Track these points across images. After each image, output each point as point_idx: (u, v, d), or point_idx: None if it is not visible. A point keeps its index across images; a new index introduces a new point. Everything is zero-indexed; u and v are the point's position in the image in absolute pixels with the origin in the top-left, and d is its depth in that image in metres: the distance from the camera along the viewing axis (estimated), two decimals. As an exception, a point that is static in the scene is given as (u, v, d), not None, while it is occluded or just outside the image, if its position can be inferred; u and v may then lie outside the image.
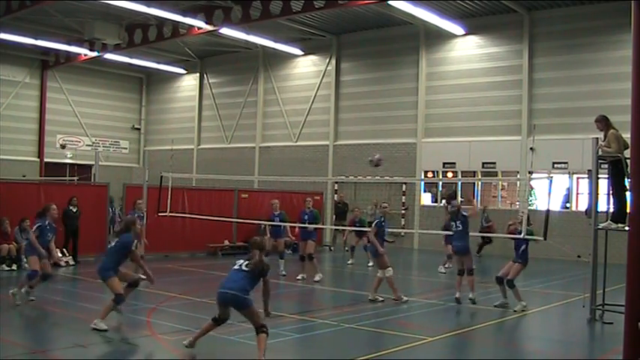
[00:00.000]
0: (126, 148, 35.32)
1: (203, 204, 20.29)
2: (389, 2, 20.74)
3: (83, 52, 28.38)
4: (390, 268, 12.13)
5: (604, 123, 10.64)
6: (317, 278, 14.47)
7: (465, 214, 12.12)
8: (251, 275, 7.71)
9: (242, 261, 7.91)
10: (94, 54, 28.18)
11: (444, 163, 24.77)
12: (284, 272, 15.53)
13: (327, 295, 13.50)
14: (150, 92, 36.20)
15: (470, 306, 12.07)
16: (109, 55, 28.68)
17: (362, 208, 21.23)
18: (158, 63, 32.28)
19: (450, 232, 12.87)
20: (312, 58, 29.01)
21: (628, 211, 8.29)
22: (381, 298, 11.97)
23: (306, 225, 15.02)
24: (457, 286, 12.07)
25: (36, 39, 26.55)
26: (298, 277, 14.67)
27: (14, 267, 15.21)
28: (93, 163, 26.65)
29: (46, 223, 11.20)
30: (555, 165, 22.11)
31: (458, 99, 24.54)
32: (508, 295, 11.73)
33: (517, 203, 22.09)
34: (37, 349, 7.98)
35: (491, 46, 24.08)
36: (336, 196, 26.02)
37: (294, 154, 29.05)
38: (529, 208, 14.98)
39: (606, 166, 10.79)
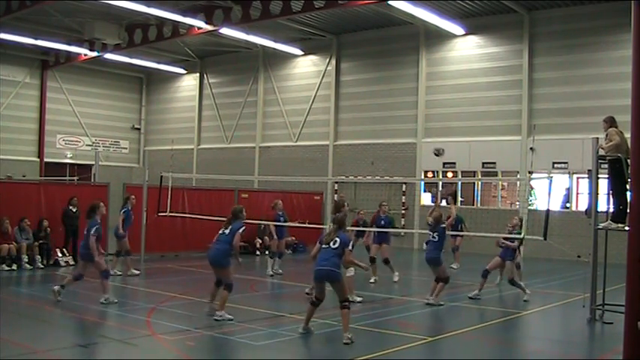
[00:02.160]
0: (126, 148, 35.31)
1: (203, 204, 20.27)
2: (389, 2, 20.74)
3: (83, 52, 28.39)
4: None
5: (608, 124, 10.62)
6: (396, 279, 14.85)
7: (443, 226, 12.20)
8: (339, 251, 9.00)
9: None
10: (94, 54, 28.19)
11: (444, 163, 24.77)
12: (280, 271, 15.53)
13: (327, 295, 13.46)
14: (150, 92, 36.20)
15: (470, 306, 12.08)
16: (109, 55, 28.68)
17: (361, 208, 21.19)
18: (158, 63, 32.28)
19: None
20: (312, 58, 29.01)
21: (628, 211, 8.28)
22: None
23: (383, 229, 15.05)
24: (431, 291, 12.02)
25: (36, 39, 26.55)
26: (371, 281, 14.49)
27: (14, 267, 15.20)
28: (93, 163, 26.66)
29: (99, 221, 11.53)
30: (555, 165, 22.11)
31: (458, 99, 24.54)
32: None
33: (517, 203, 22.09)
34: (37, 349, 7.98)
35: (491, 46, 24.08)
36: (336, 196, 26.02)
37: (294, 154, 29.05)
38: (529, 208, 15.01)
39: (606, 166, 10.78)
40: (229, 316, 9.81)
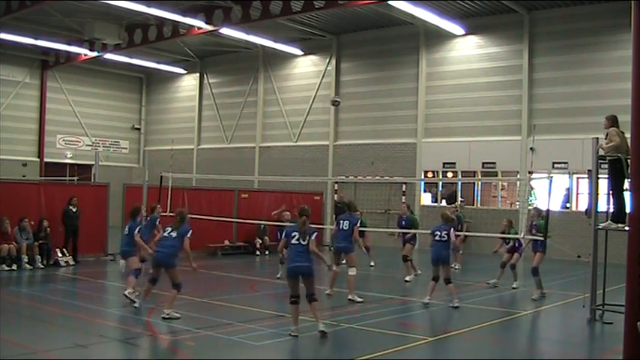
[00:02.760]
0: (126, 148, 35.31)
1: (203, 204, 20.28)
2: (389, 2, 20.73)
3: (83, 52, 28.38)
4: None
5: (609, 122, 10.59)
6: (408, 278, 15.08)
7: (448, 225, 12.27)
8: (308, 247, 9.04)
9: (297, 234, 9.08)
10: (94, 54, 28.18)
11: (444, 163, 24.76)
12: (278, 276, 15.58)
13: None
14: (150, 92, 36.20)
15: (470, 306, 12.07)
16: (109, 55, 28.67)
17: (361, 208, 21.20)
18: (158, 63, 32.28)
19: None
20: (312, 58, 29.00)
21: (627, 210, 8.28)
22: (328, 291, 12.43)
23: (404, 230, 15.75)
24: (430, 291, 11.92)
25: (36, 39, 26.54)
26: (407, 279, 15.14)
27: (14, 267, 15.19)
28: (93, 163, 26.67)
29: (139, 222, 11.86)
30: (555, 165, 22.11)
31: (458, 99, 24.53)
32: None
33: (517, 203, 22.09)
34: (37, 349, 7.98)
35: (491, 46, 24.08)
36: (336, 196, 26.02)
37: (294, 154, 29.05)
38: (529, 208, 15.06)
39: (606, 165, 10.78)
40: (177, 315, 9.87)
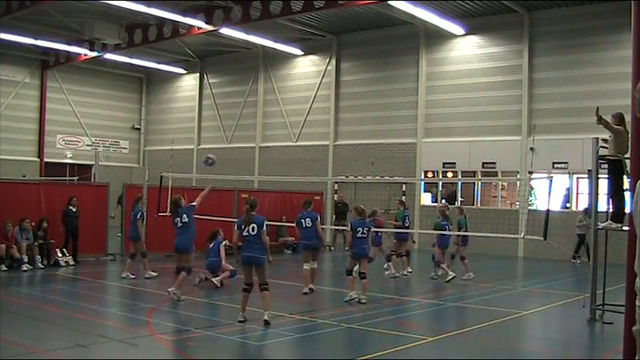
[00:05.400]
0: (126, 148, 35.31)
1: (203, 204, 20.09)
2: (389, 2, 20.74)
3: (83, 52, 28.37)
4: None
5: (616, 120, 10.54)
6: (399, 272, 15.63)
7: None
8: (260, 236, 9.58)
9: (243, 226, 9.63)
10: (94, 54, 28.18)
11: (444, 163, 24.76)
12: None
13: (327, 295, 13.50)
14: (150, 92, 36.19)
15: (470, 306, 12.08)
16: (109, 55, 28.67)
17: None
18: (158, 63, 32.27)
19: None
20: (312, 58, 29.01)
21: (627, 210, 8.28)
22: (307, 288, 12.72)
23: (402, 230, 16.19)
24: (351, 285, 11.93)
25: (36, 39, 26.55)
26: (403, 273, 15.77)
27: (14, 267, 15.17)
28: (93, 163, 26.66)
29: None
30: (555, 165, 22.11)
31: (458, 99, 24.53)
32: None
33: (517, 203, 22.09)
34: (37, 349, 7.98)
35: (491, 46, 24.08)
36: (336, 196, 26.02)
37: (294, 154, 29.05)
38: (529, 208, 15.10)
39: (606, 165, 10.77)
40: (183, 297, 11.09)
